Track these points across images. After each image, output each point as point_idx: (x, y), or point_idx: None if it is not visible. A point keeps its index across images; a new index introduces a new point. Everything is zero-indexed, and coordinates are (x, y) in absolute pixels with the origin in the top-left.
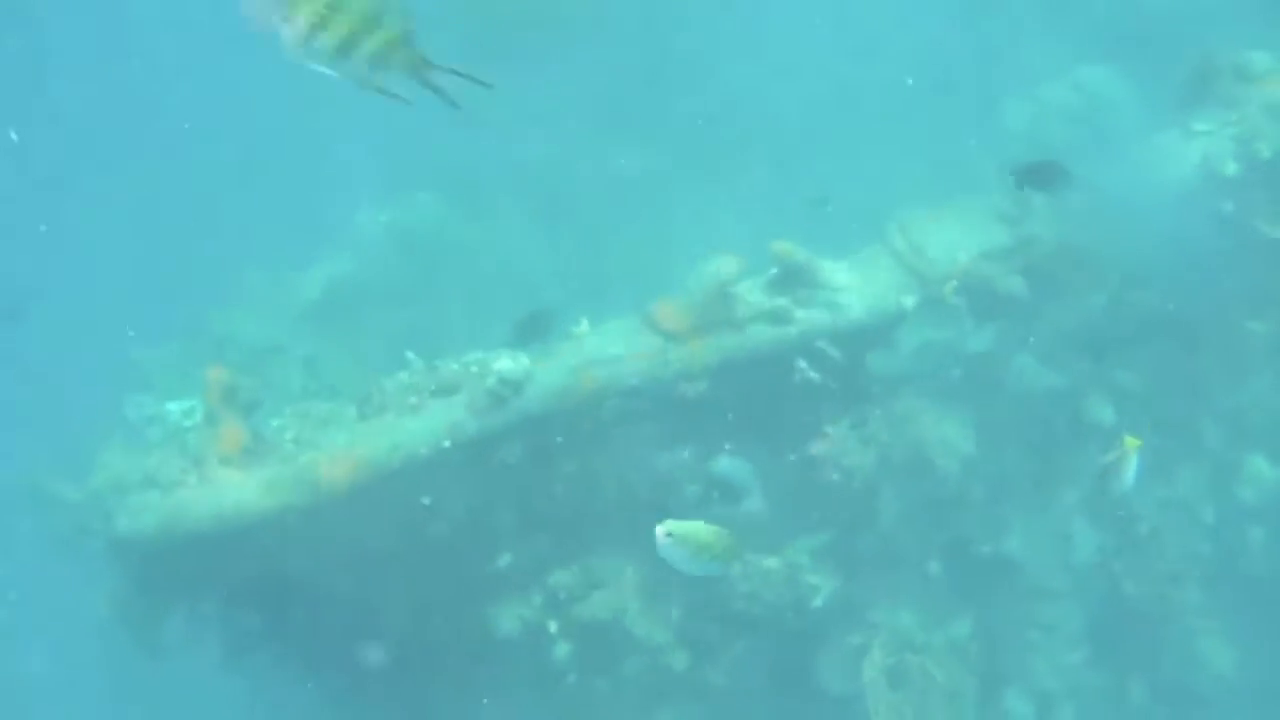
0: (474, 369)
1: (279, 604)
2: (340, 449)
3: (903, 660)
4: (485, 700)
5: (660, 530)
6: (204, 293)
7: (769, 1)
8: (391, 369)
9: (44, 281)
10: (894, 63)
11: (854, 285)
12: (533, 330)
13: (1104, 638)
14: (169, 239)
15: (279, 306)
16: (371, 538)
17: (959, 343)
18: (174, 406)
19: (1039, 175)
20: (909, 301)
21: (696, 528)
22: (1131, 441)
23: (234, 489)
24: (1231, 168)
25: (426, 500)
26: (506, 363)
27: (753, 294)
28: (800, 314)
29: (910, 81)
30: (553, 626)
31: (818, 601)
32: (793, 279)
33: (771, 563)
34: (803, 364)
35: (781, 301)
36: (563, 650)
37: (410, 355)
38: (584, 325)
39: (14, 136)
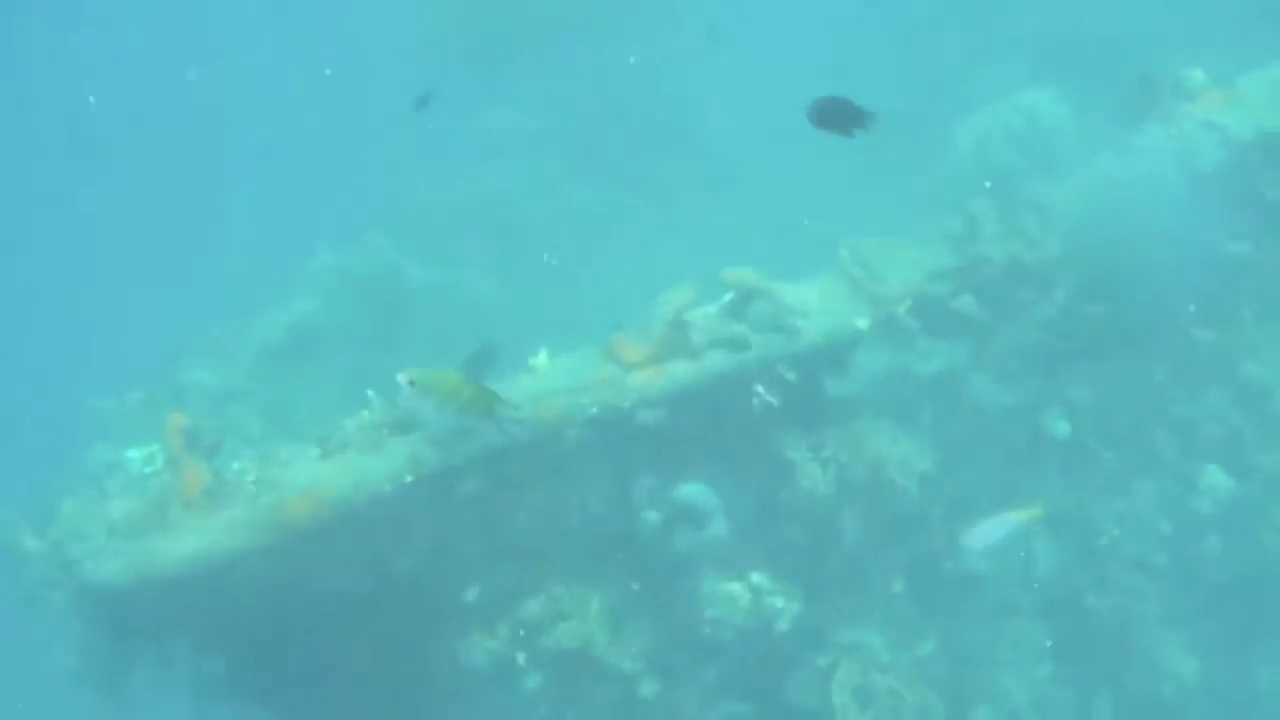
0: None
1: (247, 646)
2: (303, 488)
3: (870, 680)
4: None
5: (402, 377)
6: (162, 341)
7: (721, 35)
8: (353, 410)
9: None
10: (844, 91)
11: (809, 309)
12: (479, 365)
13: (1069, 652)
14: (125, 287)
15: (238, 352)
16: (337, 576)
17: (914, 363)
18: (134, 454)
19: (838, 114)
20: (863, 324)
21: (442, 375)
22: (1036, 509)
23: (197, 532)
24: (1172, 181)
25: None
26: None
27: (709, 321)
28: (757, 339)
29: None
30: (521, 658)
31: (783, 625)
32: (748, 305)
33: (736, 587)
34: (760, 389)
35: (738, 328)
36: (533, 682)
37: (371, 394)
38: (542, 356)
39: None
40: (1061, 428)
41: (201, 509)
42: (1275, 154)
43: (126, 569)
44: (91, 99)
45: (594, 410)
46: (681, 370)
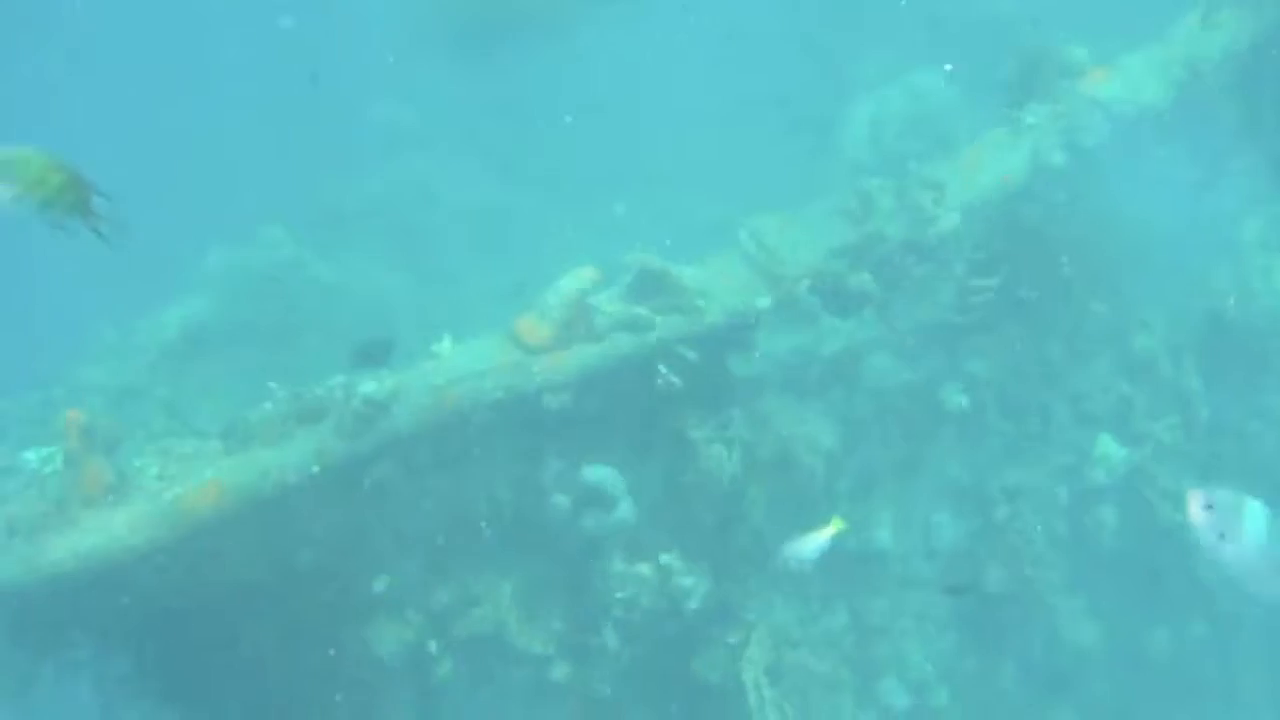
0: (338, 393)
1: (153, 644)
2: (207, 482)
3: (781, 656)
4: None
5: None
6: (55, 342)
7: (619, 30)
8: (254, 405)
9: None
10: (740, 81)
11: (710, 290)
12: (370, 356)
13: (972, 622)
14: (15, 287)
15: (135, 351)
16: (244, 569)
17: (815, 341)
18: (32, 455)
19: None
20: (764, 303)
21: (25, 156)
22: (837, 523)
23: (99, 529)
24: (1059, 158)
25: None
26: (370, 385)
27: (611, 304)
28: (659, 320)
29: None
30: (433, 646)
31: (693, 604)
32: (649, 287)
33: (645, 568)
34: (664, 370)
35: (640, 309)
36: (444, 668)
37: (273, 385)
38: (445, 342)
39: None
40: (960, 401)
41: (103, 506)
42: (1159, 129)
43: (25, 568)
44: None
45: (499, 394)
46: (585, 353)
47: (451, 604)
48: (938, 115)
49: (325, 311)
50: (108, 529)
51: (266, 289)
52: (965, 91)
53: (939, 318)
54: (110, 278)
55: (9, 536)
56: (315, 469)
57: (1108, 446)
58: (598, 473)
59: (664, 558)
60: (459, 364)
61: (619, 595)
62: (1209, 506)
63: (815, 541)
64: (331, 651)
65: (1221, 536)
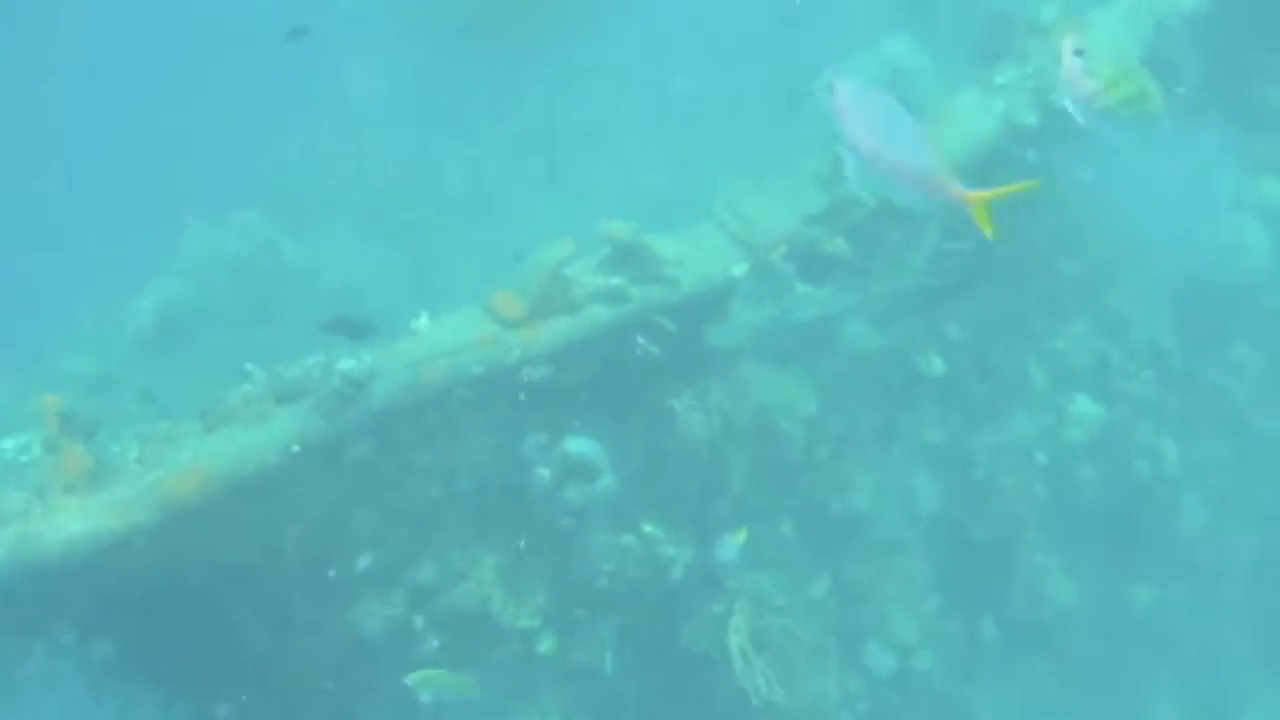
0: (316, 372)
1: (137, 627)
2: (188, 464)
3: (765, 623)
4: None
5: None
6: (30, 330)
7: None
8: (232, 386)
9: None
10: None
11: (685, 259)
12: (347, 328)
13: (954, 584)
14: None
15: (110, 338)
16: (227, 550)
17: (792, 308)
18: (8, 444)
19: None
20: (739, 271)
21: None
22: (742, 532)
23: (81, 514)
24: (1031, 118)
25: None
26: (349, 362)
27: (587, 275)
28: (636, 291)
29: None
30: (419, 622)
31: (676, 572)
32: (625, 258)
33: (628, 539)
34: (642, 340)
35: (616, 280)
36: (431, 645)
37: (250, 366)
38: (423, 319)
39: None
40: (936, 365)
41: (83, 491)
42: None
43: (7, 556)
44: None
45: (478, 370)
46: (563, 325)
47: (437, 580)
48: (908, 81)
49: (301, 294)
50: (89, 514)
51: (242, 273)
52: (936, 56)
53: (914, 282)
54: (84, 263)
55: None
56: (296, 448)
57: (1084, 406)
58: (579, 444)
59: (647, 527)
60: (437, 340)
61: (604, 567)
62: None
63: (728, 546)
64: (316, 630)
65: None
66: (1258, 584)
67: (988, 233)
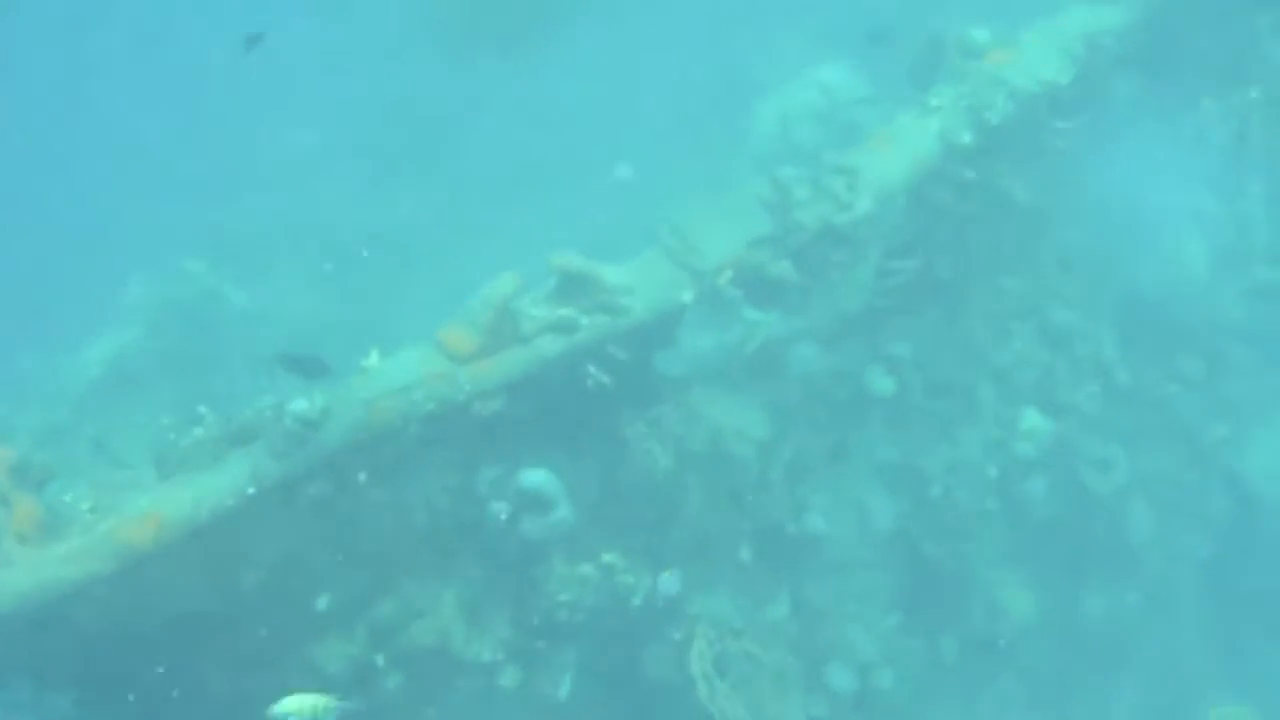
0: (269, 414)
1: (96, 678)
2: (143, 511)
3: (727, 648)
4: None
5: None
6: None
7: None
8: (184, 431)
9: None
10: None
11: (634, 287)
12: (301, 367)
13: (912, 601)
14: None
15: (60, 388)
16: (185, 596)
17: (741, 333)
18: None
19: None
20: (687, 297)
21: None
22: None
23: (35, 565)
24: (967, 137)
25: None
26: (301, 403)
27: (536, 307)
28: (585, 320)
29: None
30: (380, 660)
31: (636, 600)
32: (573, 288)
33: (587, 568)
34: (593, 369)
35: (565, 311)
36: (393, 682)
37: (203, 410)
38: (374, 357)
39: None
40: (885, 384)
41: (36, 542)
42: (1059, 104)
43: None
44: None
45: (430, 406)
46: (514, 358)
47: (396, 617)
48: (846, 106)
49: (249, 339)
50: (42, 565)
51: (187, 320)
52: (872, 80)
53: (860, 302)
54: (26, 313)
55: None
56: (250, 491)
57: (1033, 420)
58: (534, 476)
59: (605, 556)
60: (388, 378)
61: (563, 597)
62: None
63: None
64: (277, 673)
65: None
66: (1208, 588)
67: None
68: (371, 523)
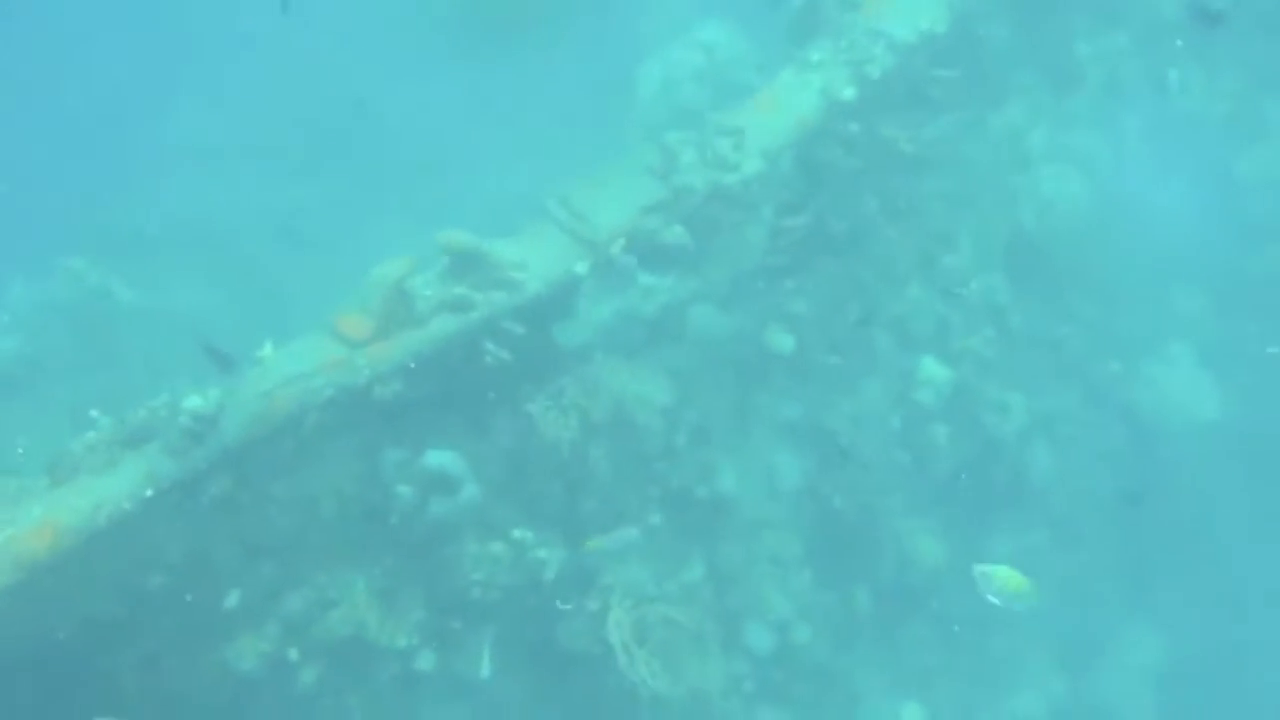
0: (163, 413)
1: (5, 692)
2: (39, 520)
3: (644, 614)
4: None
5: None
6: None
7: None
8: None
9: None
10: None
11: (527, 262)
12: (219, 357)
13: (824, 556)
14: None
15: None
16: (90, 604)
17: (637, 300)
18: None
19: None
20: (581, 268)
21: None
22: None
23: None
24: (849, 92)
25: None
26: (196, 399)
27: (429, 288)
28: (480, 298)
29: None
30: (294, 654)
31: (550, 574)
32: (465, 266)
33: (498, 546)
34: (491, 346)
35: (459, 289)
36: (309, 675)
37: (95, 413)
38: (268, 348)
39: None
40: (785, 342)
41: None
42: (937, 54)
43: None
44: None
45: (329, 392)
46: (410, 339)
47: (309, 609)
48: (727, 65)
49: (140, 337)
50: None
51: (74, 322)
52: (753, 38)
53: (755, 262)
54: None
55: None
56: (149, 492)
57: (931, 368)
58: (439, 457)
59: (516, 532)
60: (284, 367)
61: (476, 576)
62: None
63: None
64: (190, 675)
65: None
66: (1110, 523)
67: None
68: (277, 515)
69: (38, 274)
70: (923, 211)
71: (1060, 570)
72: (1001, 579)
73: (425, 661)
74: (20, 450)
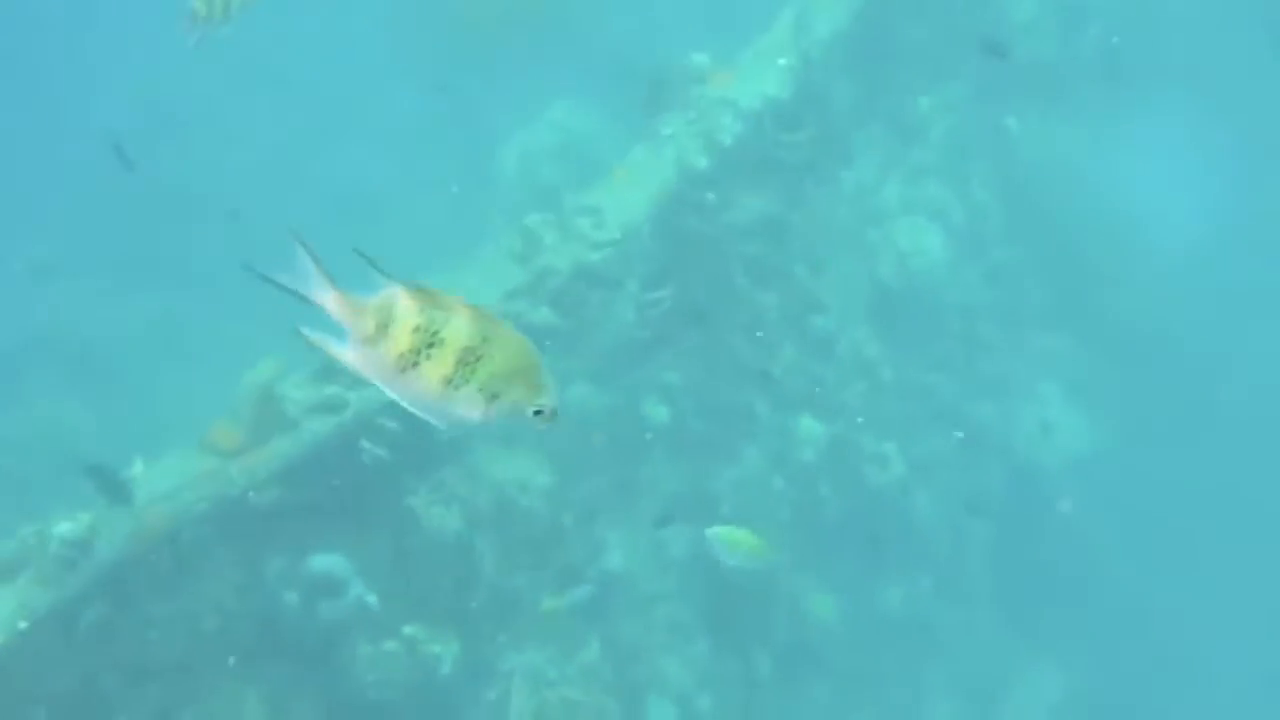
0: (32, 541)
1: None
2: None
3: (544, 699)
4: None
5: None
6: None
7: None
8: None
9: None
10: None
11: None
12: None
13: (719, 624)
14: None
15: None
16: None
17: None
18: None
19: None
20: None
21: None
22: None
23: None
24: (703, 161)
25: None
26: (66, 525)
27: (299, 389)
28: (352, 396)
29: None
30: None
31: (446, 669)
32: (336, 364)
33: (391, 645)
34: (367, 444)
35: (331, 388)
36: None
37: None
38: (139, 466)
39: None
40: (661, 413)
41: None
42: (784, 119)
43: None
44: None
45: (204, 506)
46: (283, 445)
47: None
48: (583, 143)
49: (3, 463)
50: None
51: None
52: (605, 116)
53: (624, 337)
54: None
55: None
56: (23, 625)
57: (810, 426)
58: (322, 561)
59: (407, 629)
60: (156, 484)
61: (370, 677)
62: None
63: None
64: None
65: None
66: (997, 565)
67: None
68: (159, 637)
69: None
70: (785, 273)
71: (950, 614)
72: (733, 540)
73: None
74: None
